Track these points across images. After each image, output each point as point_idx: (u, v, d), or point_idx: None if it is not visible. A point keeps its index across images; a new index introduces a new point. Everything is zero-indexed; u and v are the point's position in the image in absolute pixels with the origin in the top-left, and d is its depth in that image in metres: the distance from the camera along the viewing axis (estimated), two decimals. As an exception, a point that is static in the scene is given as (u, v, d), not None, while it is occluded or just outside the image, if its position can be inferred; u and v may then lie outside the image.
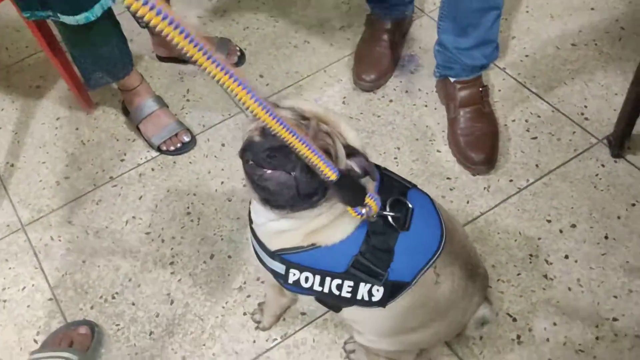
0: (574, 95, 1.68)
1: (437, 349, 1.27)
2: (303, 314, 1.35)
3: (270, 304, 1.29)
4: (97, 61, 1.58)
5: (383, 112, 1.71)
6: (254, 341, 1.32)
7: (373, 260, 0.94)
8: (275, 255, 0.97)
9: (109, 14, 1.44)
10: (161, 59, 1.92)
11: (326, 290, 0.97)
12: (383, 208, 0.91)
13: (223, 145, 1.70)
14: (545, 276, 1.35)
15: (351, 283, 0.95)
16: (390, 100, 1.73)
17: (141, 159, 1.70)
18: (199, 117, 1.77)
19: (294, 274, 0.98)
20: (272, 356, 1.30)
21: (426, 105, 1.71)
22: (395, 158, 1.60)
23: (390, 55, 1.76)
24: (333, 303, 1.04)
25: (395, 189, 0.98)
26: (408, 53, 1.84)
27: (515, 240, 1.41)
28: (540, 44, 1.82)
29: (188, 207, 1.57)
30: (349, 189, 0.85)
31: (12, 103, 1.88)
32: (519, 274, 1.36)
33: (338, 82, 1.80)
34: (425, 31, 1.90)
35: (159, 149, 1.69)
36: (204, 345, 1.33)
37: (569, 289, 1.33)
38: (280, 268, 0.98)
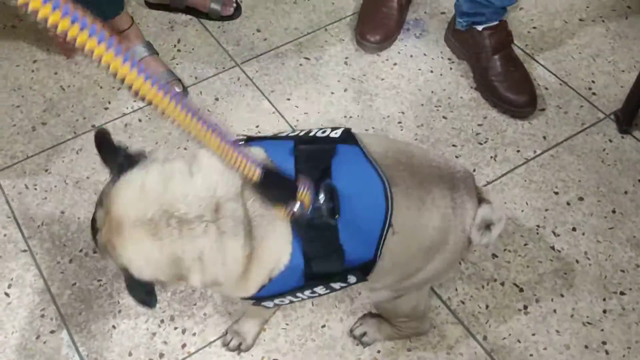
0: (582, 69, 1.65)
1: (442, 316, 1.22)
2: (301, 276, 1.27)
3: (253, 319, 1.17)
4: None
5: (387, 75, 1.64)
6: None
7: (324, 266, 0.85)
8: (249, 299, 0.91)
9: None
10: (150, 5, 1.79)
11: (305, 297, 0.91)
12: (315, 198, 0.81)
13: (217, 99, 1.60)
14: (553, 248, 1.31)
15: (322, 287, 0.89)
16: (395, 64, 1.66)
17: (127, 108, 1.58)
18: (190, 69, 1.66)
19: (268, 303, 0.94)
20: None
21: (432, 71, 1.64)
22: (400, 122, 1.53)
23: (396, 17, 1.69)
24: None
25: (313, 163, 0.84)
26: (413, 17, 1.77)
27: (522, 211, 1.37)
28: (548, 17, 1.78)
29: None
30: (276, 187, 0.76)
31: (-17, 42, 1.73)
32: (525, 244, 1.32)
33: (340, 42, 1.72)
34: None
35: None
36: (195, 305, 1.24)
37: (577, 261, 1.30)
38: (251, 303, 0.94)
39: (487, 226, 0.93)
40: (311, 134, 0.90)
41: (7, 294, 1.26)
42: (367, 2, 1.73)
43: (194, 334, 1.20)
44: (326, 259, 0.84)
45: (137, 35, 1.59)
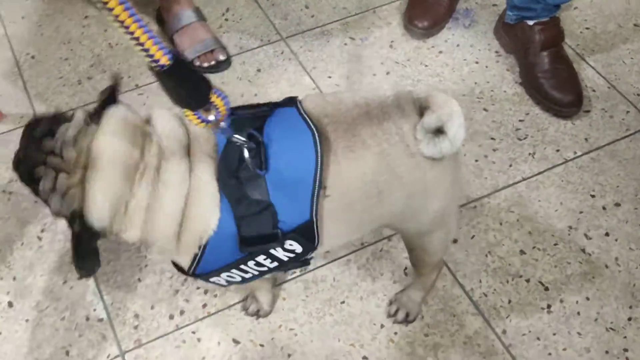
0: (632, 75, 1.60)
1: (463, 306, 1.21)
2: (327, 252, 1.27)
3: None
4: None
5: (431, 62, 1.62)
6: (272, 271, 1.25)
7: (256, 227, 0.81)
8: (194, 275, 0.88)
9: None
10: (203, -27, 1.81)
11: (254, 271, 0.87)
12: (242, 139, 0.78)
13: (259, 70, 1.61)
14: (583, 250, 1.29)
15: (263, 257, 0.85)
16: (440, 52, 1.64)
17: (171, 71, 1.60)
18: (236, 39, 1.67)
19: (217, 280, 0.89)
20: (288, 288, 1.23)
21: (477, 62, 1.62)
22: (439, 110, 1.52)
23: (447, 5, 1.67)
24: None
25: (248, 122, 0.83)
26: (464, 7, 1.74)
27: (556, 210, 1.35)
28: (602, 19, 1.73)
29: (215, 127, 1.48)
30: (187, 80, 0.69)
31: (36, -6, 1.77)
32: (555, 244, 1.30)
33: (387, 25, 1.70)
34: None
35: (193, 62, 1.59)
36: (219, 267, 1.25)
37: (606, 266, 1.27)
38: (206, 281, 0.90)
39: (439, 131, 0.82)
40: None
41: (39, 238, 1.30)
42: (419, -14, 1.71)
43: (215, 296, 1.22)
44: (256, 218, 0.80)
45: (188, 0, 1.60)
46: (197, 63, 1.58)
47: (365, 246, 1.28)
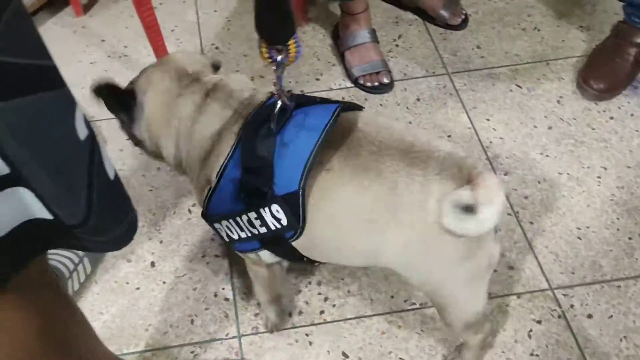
0: None
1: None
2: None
3: (258, 289, 1.16)
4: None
5: (599, 126, 1.55)
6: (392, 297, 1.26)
7: (255, 180, 0.87)
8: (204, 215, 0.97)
9: None
10: (384, -3, 1.88)
11: (249, 233, 0.92)
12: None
13: (418, 99, 1.63)
14: None
15: (254, 215, 0.89)
16: (611, 117, 1.56)
17: (335, 84, 1.67)
18: (402, 65, 1.71)
19: (220, 229, 0.95)
20: (405, 317, 1.23)
21: (650, 136, 1.52)
22: (599, 177, 1.44)
23: (628, 71, 1.58)
24: (281, 252, 0.99)
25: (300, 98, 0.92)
26: (646, 76, 1.65)
27: None
28: None
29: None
30: (283, 11, 0.73)
31: (234, -7, 1.93)
32: None
33: (559, 80, 1.65)
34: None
35: (355, 81, 1.65)
36: (343, 279, 1.28)
37: None
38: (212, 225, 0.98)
39: (469, 209, 0.79)
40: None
41: (189, 211, 1.41)
42: (601, 47, 1.64)
43: (334, 305, 1.25)
44: (256, 173, 0.87)
45: (367, 20, 1.67)
46: (361, 81, 1.64)
47: (492, 297, 1.24)
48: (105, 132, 1.54)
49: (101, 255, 1.32)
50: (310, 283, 1.28)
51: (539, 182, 1.45)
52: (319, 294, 1.27)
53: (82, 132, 0.57)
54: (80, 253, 1.26)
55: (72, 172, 0.57)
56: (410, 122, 1.58)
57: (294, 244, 0.94)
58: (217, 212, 0.94)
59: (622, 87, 1.60)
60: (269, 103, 0.92)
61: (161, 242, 1.36)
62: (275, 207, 0.87)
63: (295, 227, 0.89)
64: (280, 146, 0.87)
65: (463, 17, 1.79)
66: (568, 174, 1.46)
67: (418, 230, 0.85)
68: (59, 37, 1.79)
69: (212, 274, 1.30)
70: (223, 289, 1.28)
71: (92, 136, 0.59)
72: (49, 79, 0.53)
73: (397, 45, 1.77)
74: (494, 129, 1.55)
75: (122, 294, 1.27)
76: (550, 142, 1.52)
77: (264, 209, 0.88)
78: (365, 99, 1.63)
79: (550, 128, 1.55)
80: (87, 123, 0.59)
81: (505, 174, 1.46)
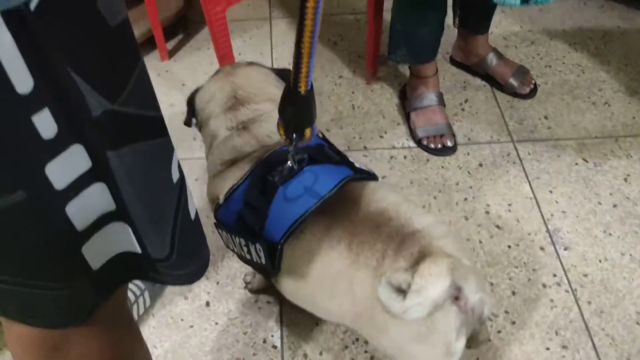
0: None
1: None
2: None
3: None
4: (410, 38, 1.61)
5: (667, 208, 1.51)
6: None
7: (249, 216, 0.96)
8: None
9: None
10: (454, 62, 1.91)
11: (240, 252, 1.01)
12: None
13: (480, 165, 1.64)
14: None
15: (243, 241, 0.97)
16: (681, 200, 1.52)
17: (398, 143, 1.71)
18: (467, 130, 1.73)
19: (221, 235, 1.05)
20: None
21: None
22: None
23: (702, 154, 1.55)
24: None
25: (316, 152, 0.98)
26: None
27: None
28: None
29: (424, 207, 1.54)
30: (306, 109, 0.80)
31: (308, 48, 2.02)
32: None
33: (627, 157, 1.63)
34: None
35: (419, 142, 1.68)
36: (390, 339, 1.29)
37: None
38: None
39: (400, 290, 0.81)
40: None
41: (247, 255, 1.46)
42: (674, 128, 1.62)
43: (379, 366, 1.25)
44: (253, 210, 0.96)
45: (435, 84, 1.71)
46: (425, 142, 1.67)
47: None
48: (176, 171, 1.63)
49: (160, 290, 1.38)
50: (357, 340, 1.29)
51: (600, 261, 1.41)
52: (366, 352, 1.27)
53: (175, 176, 0.63)
54: (142, 286, 1.33)
55: (164, 211, 0.63)
56: (470, 187, 1.59)
57: (276, 286, 1.04)
58: (221, 217, 1.05)
59: (694, 171, 1.56)
60: (283, 149, 0.99)
61: (217, 283, 1.41)
62: (258, 246, 0.95)
63: (270, 268, 0.98)
64: (281, 197, 0.94)
65: (532, 86, 1.80)
66: (631, 255, 1.42)
67: (365, 305, 0.90)
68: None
69: (263, 320, 1.34)
70: (272, 336, 1.31)
71: (182, 179, 0.65)
72: (158, 128, 0.60)
73: (463, 109, 1.79)
74: (556, 201, 1.54)
75: (177, 330, 1.33)
76: (614, 220, 1.49)
77: (251, 242, 0.97)
78: (428, 160, 1.66)
79: (615, 206, 1.52)
80: (179, 167, 0.65)
81: (565, 249, 1.44)
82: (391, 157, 1.67)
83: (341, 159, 1.03)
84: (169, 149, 0.62)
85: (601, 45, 1.95)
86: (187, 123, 1.25)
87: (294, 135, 0.84)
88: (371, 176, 1.03)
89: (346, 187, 0.96)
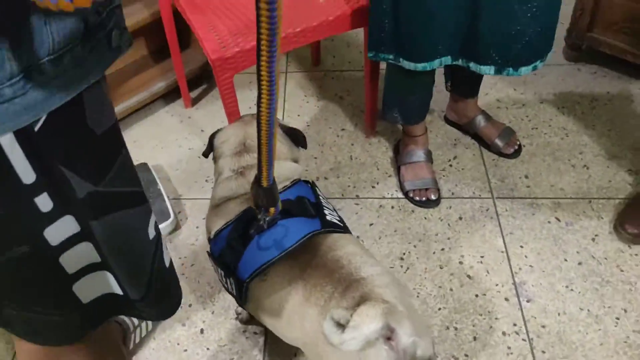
0: None
1: None
2: None
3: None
4: (401, 102, 1.80)
5: (628, 269, 1.62)
6: None
7: (227, 253, 1.15)
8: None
9: (433, 69, 1.63)
10: (447, 120, 2.08)
11: (221, 278, 1.21)
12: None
13: (460, 218, 1.79)
14: None
15: (223, 272, 1.17)
16: (638, 265, 1.64)
17: (388, 194, 1.88)
18: (452, 184, 1.89)
19: (212, 264, 1.24)
20: None
21: (679, 287, 1.57)
22: (617, 318, 1.52)
23: (666, 221, 1.66)
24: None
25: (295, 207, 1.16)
26: (687, 226, 1.70)
27: None
28: None
29: (404, 254, 1.70)
30: (269, 196, 0.96)
31: (317, 101, 2.23)
32: None
33: (598, 218, 1.75)
34: None
35: (406, 194, 1.85)
36: None
37: None
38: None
39: (340, 325, 0.96)
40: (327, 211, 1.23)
41: (241, 289, 1.65)
42: (642, 194, 1.74)
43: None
44: (232, 249, 1.15)
45: (424, 142, 1.88)
46: (411, 195, 1.84)
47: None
48: (188, 210, 1.85)
49: (163, 315, 1.59)
50: (328, 372, 1.45)
51: (559, 314, 1.54)
52: (335, 383, 1.43)
53: (152, 234, 0.83)
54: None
55: (141, 263, 0.83)
56: (449, 238, 1.74)
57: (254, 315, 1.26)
58: (214, 246, 1.25)
59: (659, 235, 1.67)
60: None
61: (213, 312, 1.60)
62: (231, 280, 1.17)
63: (238, 300, 1.20)
64: (255, 245, 1.15)
65: (516, 147, 1.95)
66: (589, 310, 1.54)
67: (312, 336, 1.07)
68: (168, 124, 2.17)
69: (249, 348, 1.52)
70: (254, 363, 1.49)
71: (158, 236, 0.85)
72: (137, 199, 0.80)
73: (451, 165, 1.96)
74: (525, 256, 1.68)
75: (173, 353, 1.52)
76: (577, 277, 1.62)
77: (227, 275, 1.17)
78: (413, 211, 1.82)
79: (580, 264, 1.65)
80: (156, 226, 0.85)
81: (528, 301, 1.57)
82: (380, 206, 1.85)
83: (316, 213, 1.22)
84: (146, 214, 0.81)
85: (588, 110, 2.09)
86: (205, 155, 1.45)
87: (262, 208, 1.04)
88: (340, 229, 1.21)
89: (315, 240, 1.15)
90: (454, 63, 1.58)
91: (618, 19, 2.04)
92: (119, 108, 2.06)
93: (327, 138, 2.08)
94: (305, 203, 1.22)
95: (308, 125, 2.14)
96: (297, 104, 2.23)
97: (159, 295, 0.88)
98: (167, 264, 0.89)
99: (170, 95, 2.24)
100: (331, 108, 2.20)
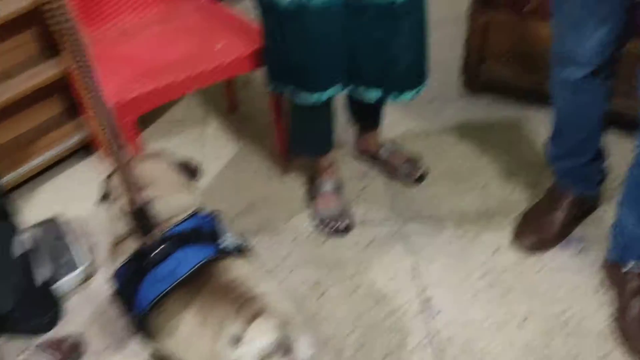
0: None
1: None
2: None
3: None
4: (305, 136, 1.88)
5: (530, 276, 1.71)
6: None
7: (125, 290, 1.22)
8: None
9: (331, 100, 1.72)
10: (357, 152, 2.17)
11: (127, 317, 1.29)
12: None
13: (371, 242, 1.86)
14: None
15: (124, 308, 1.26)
16: (542, 269, 1.73)
17: (303, 225, 1.93)
18: (363, 212, 1.96)
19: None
20: None
21: (575, 289, 1.66)
22: (520, 324, 1.59)
23: (559, 228, 1.76)
24: None
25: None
26: (579, 234, 1.81)
27: None
28: None
29: (317, 282, 1.74)
30: (146, 219, 1.09)
31: (235, 143, 2.29)
32: None
33: (499, 232, 1.84)
34: (605, 222, 1.85)
35: (317, 224, 1.91)
36: None
37: None
38: None
39: (235, 339, 1.02)
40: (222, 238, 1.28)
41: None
42: (536, 205, 1.84)
43: None
44: (128, 286, 1.22)
45: (332, 174, 1.96)
46: (321, 225, 1.89)
47: None
48: (103, 257, 1.84)
49: None
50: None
51: (466, 325, 1.60)
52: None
53: (17, 252, 0.86)
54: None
55: (8, 278, 0.85)
56: (360, 262, 1.79)
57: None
58: (114, 284, 1.31)
59: (553, 243, 1.77)
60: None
61: (126, 357, 1.58)
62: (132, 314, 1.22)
63: (141, 338, 1.28)
64: (152, 278, 1.18)
65: (421, 173, 2.05)
66: (494, 318, 1.61)
67: (210, 355, 1.10)
68: (84, 177, 2.17)
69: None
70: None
71: (24, 254, 0.88)
72: None
73: (361, 194, 2.03)
74: (433, 272, 1.74)
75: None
76: (482, 287, 1.69)
77: (127, 311, 1.24)
78: (325, 241, 1.88)
79: (484, 274, 1.72)
80: (22, 245, 0.88)
81: (436, 314, 1.63)
82: (294, 238, 1.89)
83: (212, 240, 1.26)
84: (9, 232, 0.84)
85: (485, 136, 2.22)
86: (102, 200, 1.46)
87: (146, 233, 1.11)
88: (235, 253, 1.25)
89: (210, 265, 1.19)
90: (345, 90, 1.66)
91: (505, 50, 2.22)
92: (33, 164, 2.06)
93: (244, 177, 2.13)
94: (200, 232, 1.26)
95: (226, 167, 2.19)
96: (218, 147, 2.28)
97: (30, 311, 0.91)
98: (38, 283, 0.93)
99: (86, 148, 2.25)
100: (249, 149, 2.26)
